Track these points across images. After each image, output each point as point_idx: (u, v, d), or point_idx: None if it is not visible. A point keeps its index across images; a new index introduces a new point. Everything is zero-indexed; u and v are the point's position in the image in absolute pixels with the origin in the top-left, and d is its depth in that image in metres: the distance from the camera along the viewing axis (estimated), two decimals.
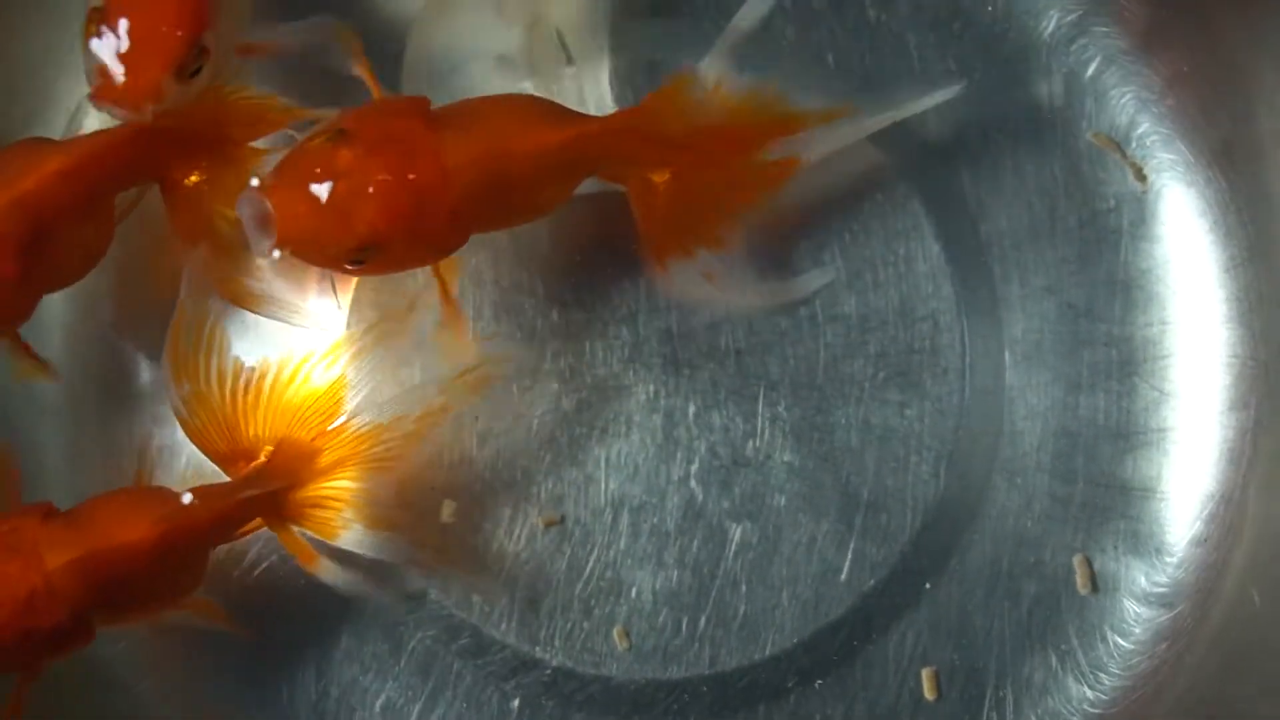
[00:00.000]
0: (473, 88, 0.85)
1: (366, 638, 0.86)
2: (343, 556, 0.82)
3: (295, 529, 0.80)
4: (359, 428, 0.80)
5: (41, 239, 0.75)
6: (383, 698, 0.86)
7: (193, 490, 0.77)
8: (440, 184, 0.74)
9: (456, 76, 0.86)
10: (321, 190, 0.72)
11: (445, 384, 0.81)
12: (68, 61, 0.86)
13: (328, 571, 0.81)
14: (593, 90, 0.87)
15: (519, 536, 0.86)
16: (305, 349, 0.81)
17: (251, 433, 0.80)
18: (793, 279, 0.87)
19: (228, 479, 0.80)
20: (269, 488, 0.79)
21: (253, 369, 0.80)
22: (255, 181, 0.73)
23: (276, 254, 0.73)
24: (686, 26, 0.90)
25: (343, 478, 0.80)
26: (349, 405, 0.81)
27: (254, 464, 0.80)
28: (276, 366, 0.80)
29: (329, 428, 0.80)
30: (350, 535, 0.80)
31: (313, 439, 0.80)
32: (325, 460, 0.80)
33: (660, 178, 0.82)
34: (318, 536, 0.81)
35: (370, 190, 0.73)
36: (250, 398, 0.80)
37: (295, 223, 0.72)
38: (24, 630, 0.72)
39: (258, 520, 0.80)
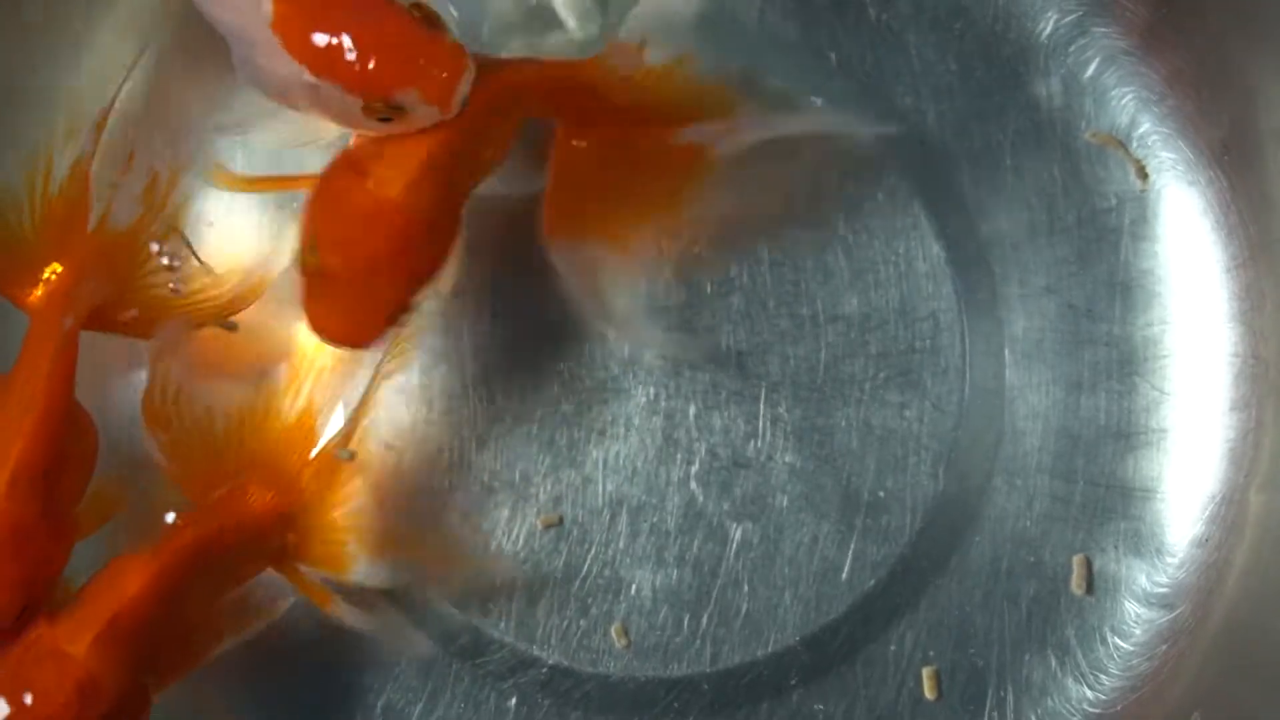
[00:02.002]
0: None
1: (367, 639, 0.86)
2: (358, 595, 0.82)
3: (305, 571, 0.81)
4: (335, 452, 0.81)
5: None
6: (383, 699, 0.86)
7: (182, 519, 0.77)
8: None
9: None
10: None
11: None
12: (69, 61, 0.87)
13: (344, 613, 0.82)
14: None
15: (517, 537, 0.86)
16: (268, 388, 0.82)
17: (233, 469, 0.80)
18: (671, 332, 0.87)
19: None
20: (254, 501, 0.79)
21: (224, 413, 0.80)
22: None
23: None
24: (737, 31, 0.89)
25: (336, 504, 0.81)
26: (322, 431, 0.81)
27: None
28: (245, 407, 0.81)
29: (310, 456, 0.81)
30: (360, 568, 0.81)
31: (296, 470, 0.81)
32: (313, 487, 0.80)
33: (579, 143, 0.82)
34: (330, 574, 0.81)
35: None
36: (226, 439, 0.80)
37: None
38: None
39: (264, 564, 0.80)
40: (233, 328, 0.87)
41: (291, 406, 0.81)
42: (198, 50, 0.86)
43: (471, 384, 0.87)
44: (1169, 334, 0.86)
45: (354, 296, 0.75)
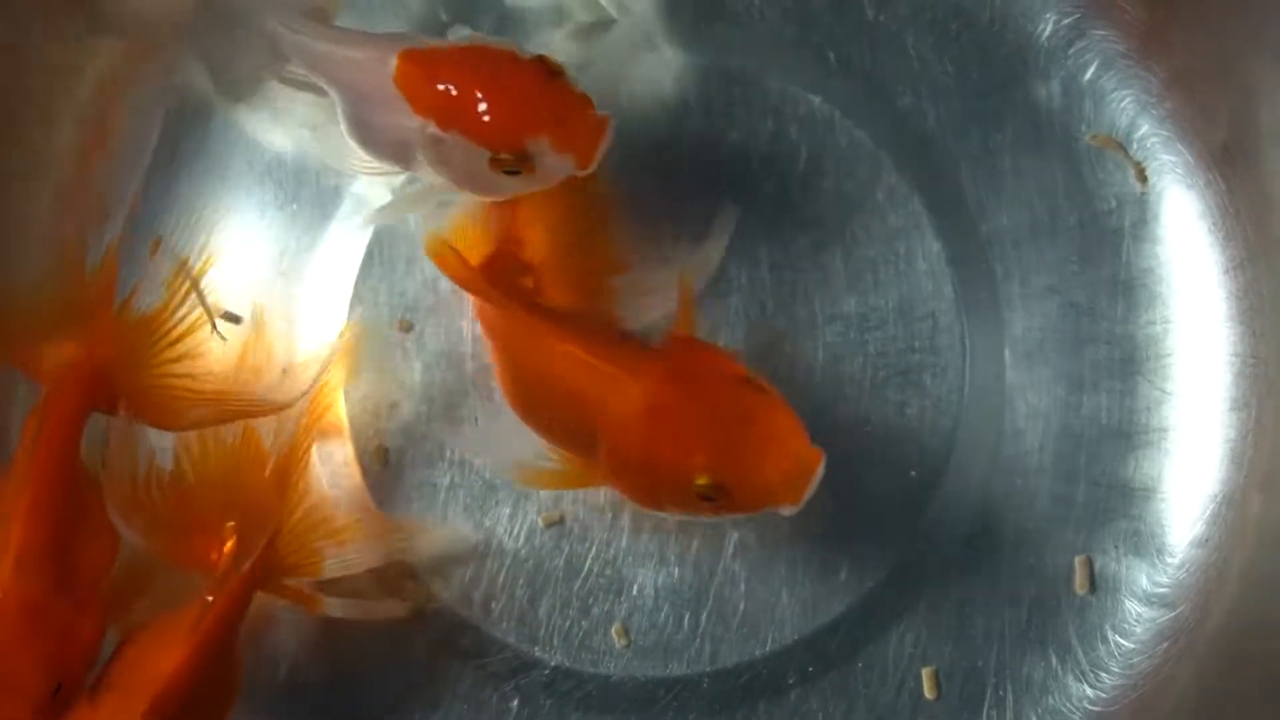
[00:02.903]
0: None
1: (368, 639, 0.86)
2: (338, 585, 0.83)
3: (288, 582, 0.81)
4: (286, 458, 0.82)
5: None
6: (385, 699, 0.86)
7: (205, 590, 0.78)
8: None
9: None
10: None
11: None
12: (69, 62, 0.88)
13: (334, 607, 0.83)
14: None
15: (518, 534, 0.87)
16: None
17: (203, 519, 0.80)
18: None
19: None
20: (261, 542, 0.79)
21: (175, 468, 0.80)
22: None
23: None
24: (737, 30, 0.90)
25: (296, 511, 0.81)
26: (269, 441, 0.82)
27: (227, 542, 0.80)
28: (189, 454, 0.81)
29: (265, 474, 0.81)
30: (333, 562, 0.82)
31: (260, 492, 0.81)
32: (280, 501, 0.81)
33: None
34: (308, 577, 0.82)
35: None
36: (201, 500, 0.80)
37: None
38: None
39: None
40: (236, 320, 0.88)
41: (232, 433, 0.81)
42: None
43: (472, 381, 0.88)
44: (1170, 334, 0.86)
45: None
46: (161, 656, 0.75)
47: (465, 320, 0.88)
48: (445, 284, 0.88)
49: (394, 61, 0.77)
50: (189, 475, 0.80)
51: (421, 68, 0.76)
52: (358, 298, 0.89)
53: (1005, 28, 0.89)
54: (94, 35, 0.88)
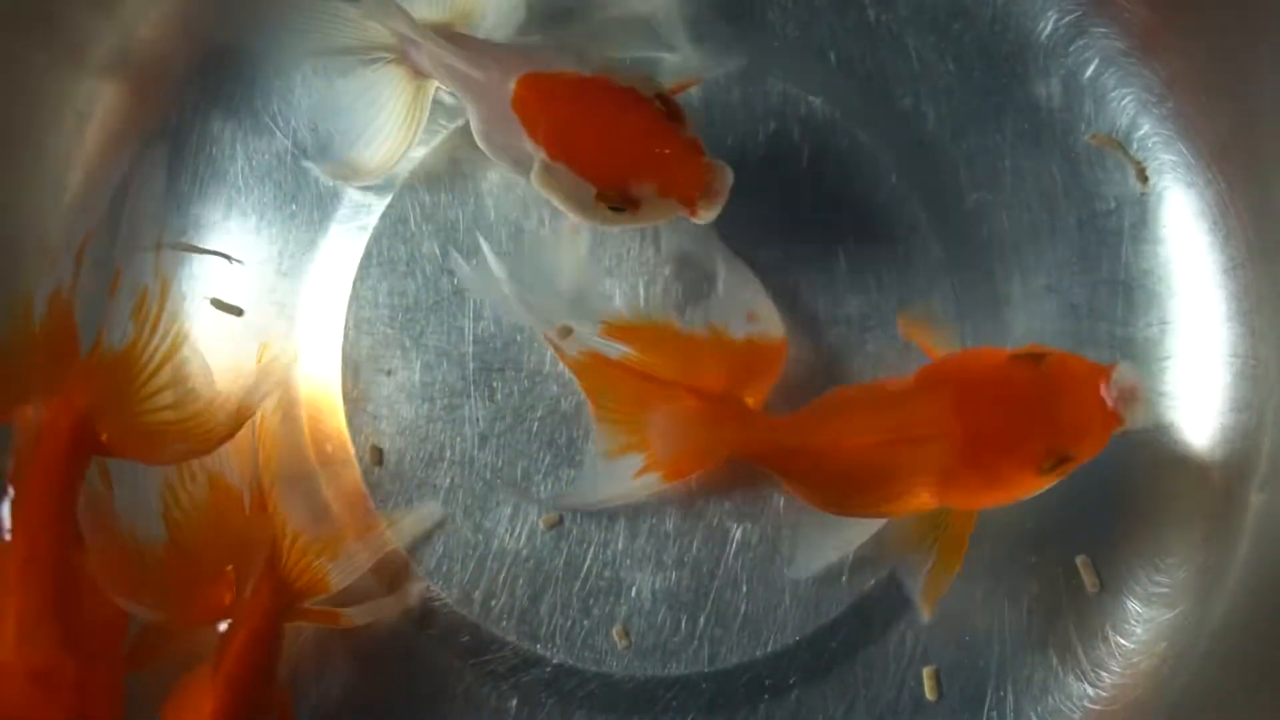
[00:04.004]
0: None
1: (369, 640, 0.86)
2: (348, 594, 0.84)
3: (307, 606, 0.82)
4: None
5: None
6: (386, 699, 0.86)
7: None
8: None
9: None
10: None
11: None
12: (69, 61, 0.87)
13: (355, 615, 0.83)
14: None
15: (519, 535, 0.87)
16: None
17: (202, 573, 0.80)
18: None
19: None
20: (258, 568, 0.80)
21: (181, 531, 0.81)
22: None
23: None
24: (738, 30, 0.90)
25: (289, 533, 0.81)
26: (236, 479, 0.82)
27: (231, 585, 0.80)
28: (172, 517, 0.81)
29: (245, 511, 0.82)
30: (337, 573, 0.82)
31: (245, 528, 0.81)
32: (265, 530, 0.81)
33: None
34: (321, 594, 0.82)
35: None
36: (181, 552, 0.80)
37: None
38: None
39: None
40: (238, 312, 0.88)
41: (241, 482, 0.82)
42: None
43: (473, 381, 0.88)
44: (1169, 334, 0.86)
45: None
46: (199, 703, 0.76)
47: (465, 320, 0.88)
48: (445, 283, 0.89)
49: (513, 86, 0.78)
50: (177, 537, 0.80)
51: (538, 96, 0.77)
52: (357, 298, 0.89)
53: (1006, 27, 0.89)
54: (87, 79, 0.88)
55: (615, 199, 0.76)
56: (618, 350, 0.81)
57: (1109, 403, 0.74)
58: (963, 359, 0.80)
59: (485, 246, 0.84)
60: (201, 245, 0.89)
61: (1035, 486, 0.76)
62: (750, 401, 0.81)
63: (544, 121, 0.77)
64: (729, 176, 0.76)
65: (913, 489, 0.77)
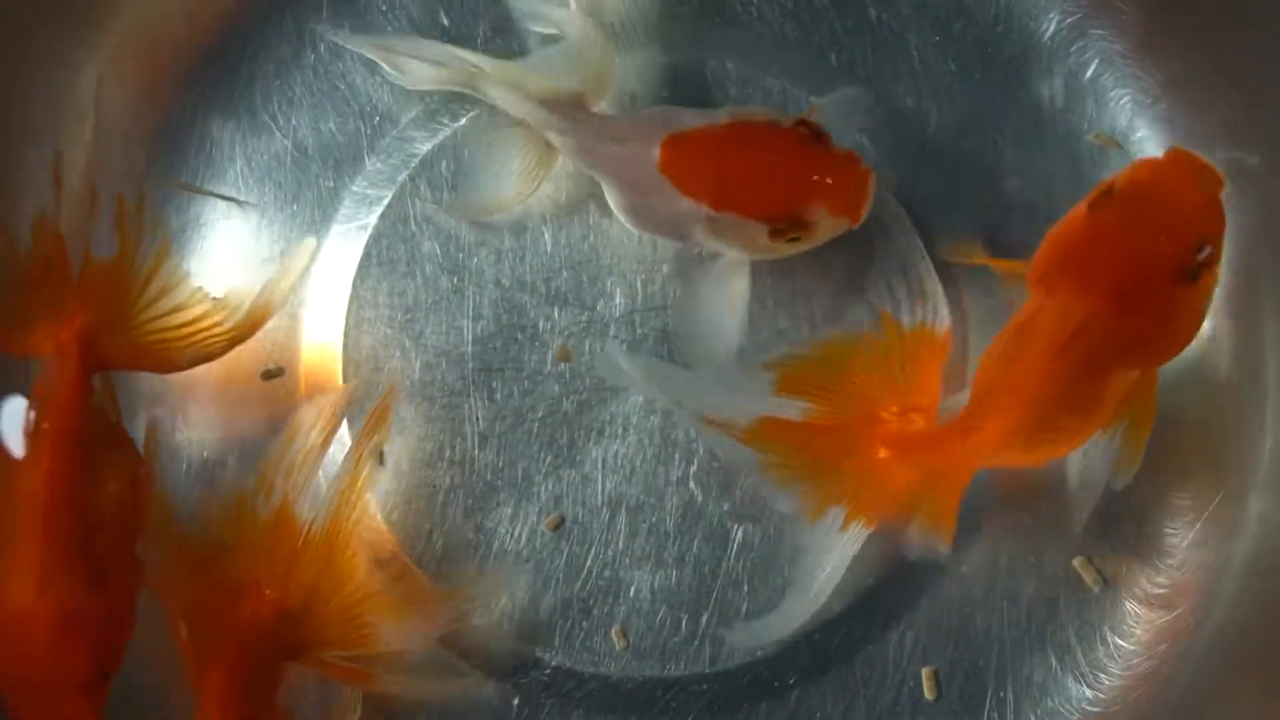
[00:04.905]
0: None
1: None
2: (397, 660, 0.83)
3: (328, 657, 0.81)
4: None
5: None
6: (385, 699, 0.86)
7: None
8: None
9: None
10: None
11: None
12: (70, 60, 0.87)
13: (395, 685, 0.82)
14: (641, 84, 0.88)
15: (519, 536, 0.87)
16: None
17: (235, 582, 0.80)
18: None
19: None
20: (250, 605, 0.79)
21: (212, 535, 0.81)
22: None
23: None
24: (738, 31, 0.90)
25: (340, 584, 0.81)
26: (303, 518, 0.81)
27: (258, 605, 0.80)
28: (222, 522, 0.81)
29: (297, 545, 0.81)
30: (390, 636, 0.81)
31: (286, 564, 0.80)
32: (309, 573, 0.80)
33: None
34: (362, 652, 0.81)
35: None
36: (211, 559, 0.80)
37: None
38: None
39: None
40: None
41: (266, 505, 0.81)
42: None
43: (472, 381, 0.88)
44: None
45: None
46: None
47: (465, 320, 0.88)
48: (445, 283, 0.88)
49: (656, 151, 0.79)
50: (222, 539, 0.80)
51: (685, 154, 0.79)
52: (357, 297, 0.89)
53: (1009, 28, 0.89)
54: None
55: (791, 229, 0.78)
56: (789, 406, 0.79)
57: (1194, 173, 0.73)
58: (1047, 247, 0.77)
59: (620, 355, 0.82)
60: (201, 245, 0.89)
61: (1195, 298, 0.75)
62: (926, 399, 0.79)
63: (700, 176, 0.78)
64: (876, 177, 0.78)
65: (1112, 382, 0.76)
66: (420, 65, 0.86)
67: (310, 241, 0.88)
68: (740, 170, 0.79)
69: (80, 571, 0.75)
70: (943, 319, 0.81)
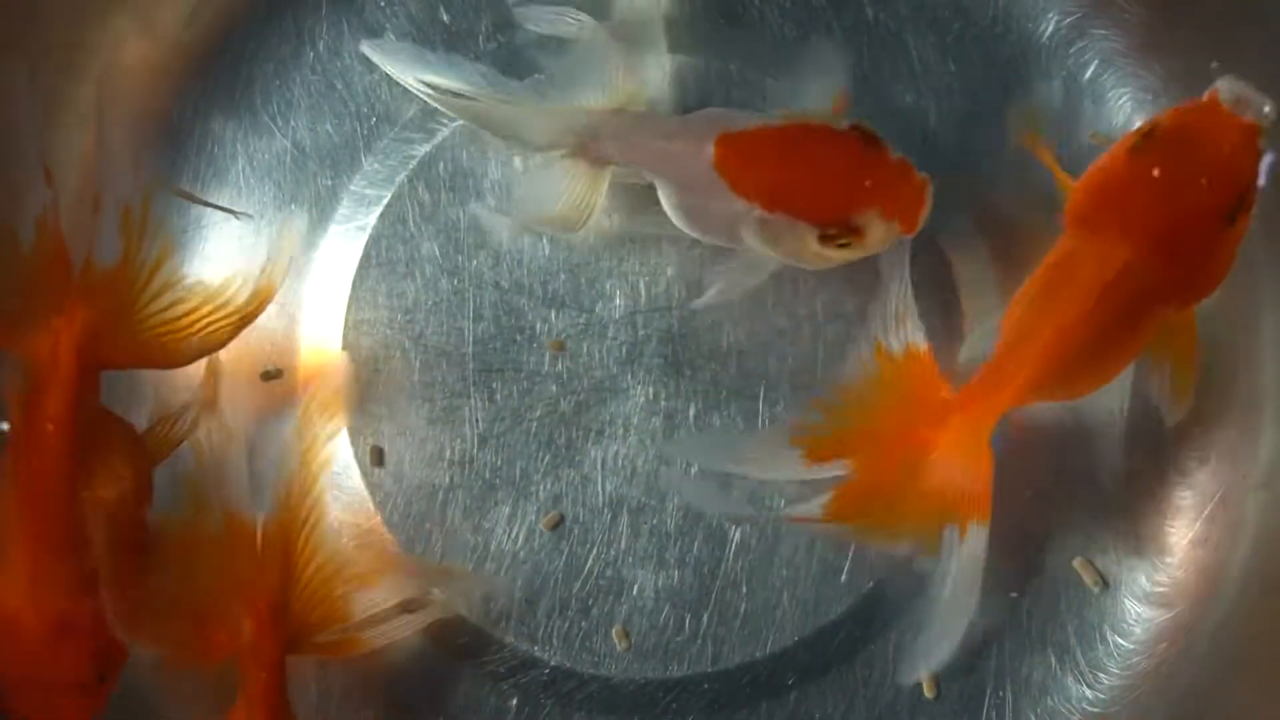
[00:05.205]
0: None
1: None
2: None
3: (318, 640, 0.81)
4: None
5: None
6: (386, 699, 0.86)
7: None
8: None
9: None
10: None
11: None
12: (70, 60, 0.87)
13: (385, 635, 0.82)
14: (655, 83, 0.88)
15: (518, 536, 0.87)
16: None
17: (205, 611, 0.80)
18: None
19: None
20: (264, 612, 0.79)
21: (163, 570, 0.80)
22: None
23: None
24: (738, 30, 0.90)
25: (309, 567, 0.81)
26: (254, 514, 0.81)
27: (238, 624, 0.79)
28: (171, 551, 0.80)
29: (255, 548, 0.81)
30: (364, 600, 0.81)
31: (254, 568, 0.80)
32: (275, 570, 0.80)
33: None
34: (340, 624, 0.81)
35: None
36: (184, 589, 0.80)
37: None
38: None
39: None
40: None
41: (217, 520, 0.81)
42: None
43: (472, 381, 0.88)
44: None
45: None
46: None
47: (465, 321, 0.88)
48: (445, 284, 0.89)
49: (711, 148, 0.78)
50: (175, 573, 0.79)
51: (740, 152, 0.78)
52: (356, 297, 0.89)
53: (1008, 28, 0.89)
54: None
55: (842, 234, 0.77)
56: (827, 471, 0.79)
57: (1240, 117, 0.73)
58: (1087, 189, 0.77)
59: None
60: (202, 245, 0.89)
61: (1232, 240, 0.75)
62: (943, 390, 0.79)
63: (754, 175, 0.78)
64: (932, 187, 0.78)
65: (1148, 321, 0.76)
66: (456, 100, 0.85)
67: (300, 214, 0.88)
68: (794, 171, 0.78)
69: (73, 574, 0.75)
70: (920, 339, 0.80)
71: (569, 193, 0.83)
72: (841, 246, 0.78)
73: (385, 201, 0.89)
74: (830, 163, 0.78)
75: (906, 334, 0.79)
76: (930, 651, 0.79)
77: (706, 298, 0.84)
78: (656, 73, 0.87)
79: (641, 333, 0.88)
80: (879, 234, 0.78)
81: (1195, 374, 0.79)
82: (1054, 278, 0.76)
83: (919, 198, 0.77)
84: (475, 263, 0.88)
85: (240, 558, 0.80)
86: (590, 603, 0.86)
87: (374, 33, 0.90)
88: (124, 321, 0.79)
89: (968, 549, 0.78)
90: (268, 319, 0.88)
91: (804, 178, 0.78)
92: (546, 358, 0.87)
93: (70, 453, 0.76)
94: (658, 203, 0.82)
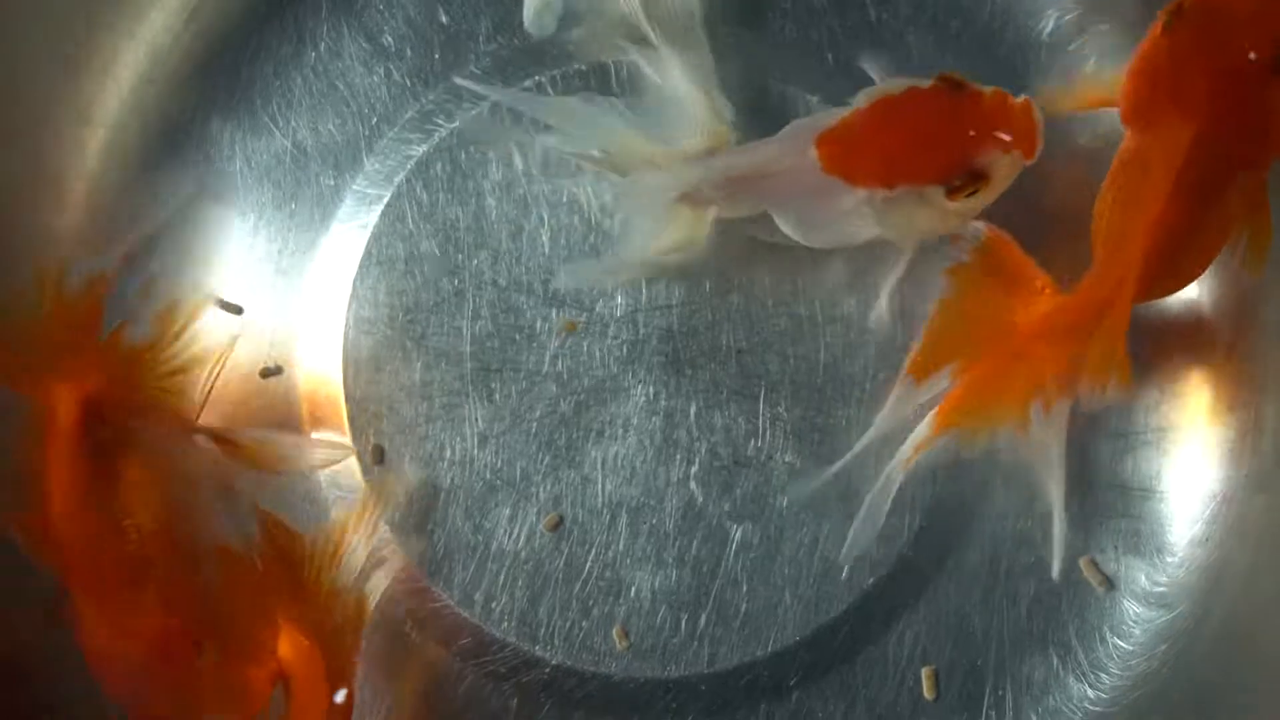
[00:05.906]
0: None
1: (370, 640, 0.86)
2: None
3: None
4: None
5: None
6: (386, 699, 0.86)
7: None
8: None
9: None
10: None
11: None
12: (70, 60, 0.87)
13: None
14: (697, 81, 0.86)
15: (518, 536, 0.87)
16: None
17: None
18: None
19: None
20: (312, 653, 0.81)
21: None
22: None
23: None
24: (737, 30, 0.89)
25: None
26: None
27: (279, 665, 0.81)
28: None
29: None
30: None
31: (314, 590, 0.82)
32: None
33: None
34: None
35: None
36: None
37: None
38: None
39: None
40: (238, 310, 0.89)
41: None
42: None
43: (472, 382, 0.88)
44: (1169, 333, 0.86)
45: None
46: None
47: (465, 320, 0.88)
48: (445, 283, 0.89)
49: (814, 153, 0.78)
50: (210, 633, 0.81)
51: (843, 146, 0.78)
52: (356, 297, 0.89)
53: (1006, 26, 0.88)
54: None
55: (969, 182, 0.78)
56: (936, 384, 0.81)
57: None
58: (1132, 82, 0.77)
59: None
60: (202, 245, 0.90)
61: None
62: (1040, 281, 0.81)
63: (864, 161, 0.78)
64: (1037, 102, 0.78)
65: (1231, 191, 0.76)
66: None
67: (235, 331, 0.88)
68: (901, 141, 0.78)
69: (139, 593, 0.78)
70: (978, 229, 0.81)
71: (670, 236, 0.84)
72: (972, 195, 0.78)
73: (386, 200, 0.89)
74: (932, 120, 0.78)
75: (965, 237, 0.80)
76: (1054, 518, 0.82)
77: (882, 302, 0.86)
78: (722, 99, 0.85)
79: (642, 331, 0.88)
80: (1004, 169, 0.78)
81: (1269, 243, 0.79)
82: (1129, 178, 0.77)
83: (1028, 121, 0.77)
84: (475, 262, 0.88)
85: (252, 591, 0.81)
86: (590, 603, 0.86)
87: (374, 33, 0.90)
88: (130, 392, 0.81)
89: (1053, 422, 0.79)
90: (269, 318, 0.89)
91: (913, 144, 0.78)
92: (546, 357, 0.87)
93: (69, 496, 0.78)
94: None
